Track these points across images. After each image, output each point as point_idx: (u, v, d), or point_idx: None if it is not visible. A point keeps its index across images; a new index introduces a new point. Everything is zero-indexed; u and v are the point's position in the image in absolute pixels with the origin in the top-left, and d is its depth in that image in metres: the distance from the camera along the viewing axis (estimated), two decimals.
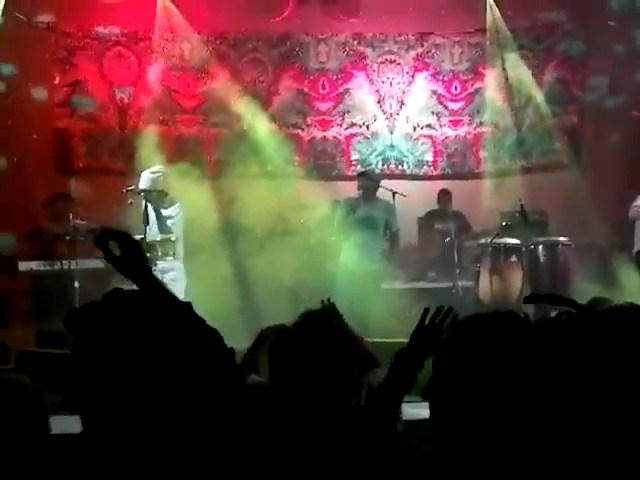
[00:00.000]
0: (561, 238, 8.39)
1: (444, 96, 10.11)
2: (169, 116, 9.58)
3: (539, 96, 9.86)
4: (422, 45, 10.05)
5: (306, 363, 2.34)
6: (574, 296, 1.78)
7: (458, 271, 8.35)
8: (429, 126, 10.10)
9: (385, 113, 10.06)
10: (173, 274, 6.95)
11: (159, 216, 7.16)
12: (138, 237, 6.35)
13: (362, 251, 7.63)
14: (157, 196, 7.10)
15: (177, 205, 7.27)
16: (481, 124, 10.07)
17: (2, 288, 8.04)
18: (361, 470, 2.09)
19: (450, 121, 10.12)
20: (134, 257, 1.77)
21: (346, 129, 10.02)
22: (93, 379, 1.53)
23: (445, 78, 10.10)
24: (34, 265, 7.96)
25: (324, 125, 9.99)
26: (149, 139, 8.64)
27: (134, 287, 1.75)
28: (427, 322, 2.36)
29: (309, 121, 9.93)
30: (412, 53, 10.06)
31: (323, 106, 9.98)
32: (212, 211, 8.40)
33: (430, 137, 10.13)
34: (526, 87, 9.90)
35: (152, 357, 1.54)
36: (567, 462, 1.52)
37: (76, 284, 7.39)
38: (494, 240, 8.19)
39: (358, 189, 8.18)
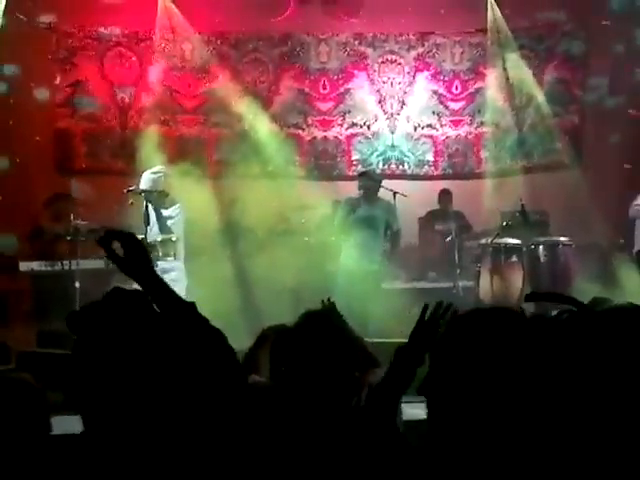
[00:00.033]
0: (562, 238, 8.40)
1: (445, 96, 10.10)
2: (170, 116, 9.58)
3: (540, 96, 9.85)
4: (423, 45, 10.04)
5: (307, 363, 2.35)
6: (574, 296, 1.78)
7: (459, 271, 8.35)
8: (430, 126, 10.09)
9: (386, 113, 10.05)
10: (174, 274, 6.93)
11: (160, 216, 7.16)
12: (139, 237, 6.34)
13: (363, 251, 7.62)
14: (158, 196, 7.09)
15: (178, 205, 7.26)
16: (482, 124, 10.06)
17: (3, 288, 8.04)
18: (362, 469, 2.09)
19: (451, 121, 10.11)
20: (138, 257, 1.77)
21: (347, 129, 10.01)
22: (95, 379, 1.54)
23: (446, 78, 10.09)
24: (35, 265, 7.96)
25: (325, 125, 9.99)
26: (150, 139, 8.65)
27: (134, 287, 1.75)
28: (427, 317, 2.36)
29: (310, 121, 9.93)
30: (413, 53, 10.06)
31: (324, 106, 9.98)
32: (213, 211, 8.39)
33: (431, 137, 10.12)
34: (527, 87, 9.89)
35: (153, 357, 1.55)
36: (564, 458, 1.52)
37: (77, 284, 7.38)
38: (495, 240, 8.19)
39: (359, 189, 8.16)
